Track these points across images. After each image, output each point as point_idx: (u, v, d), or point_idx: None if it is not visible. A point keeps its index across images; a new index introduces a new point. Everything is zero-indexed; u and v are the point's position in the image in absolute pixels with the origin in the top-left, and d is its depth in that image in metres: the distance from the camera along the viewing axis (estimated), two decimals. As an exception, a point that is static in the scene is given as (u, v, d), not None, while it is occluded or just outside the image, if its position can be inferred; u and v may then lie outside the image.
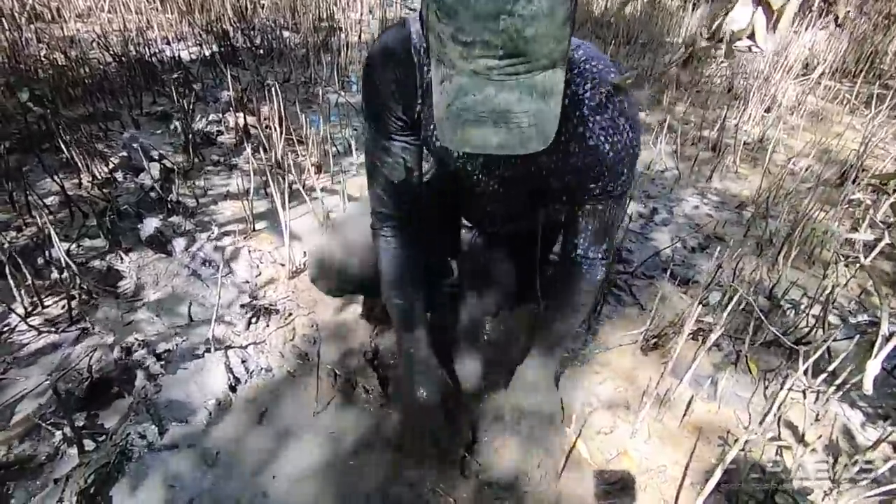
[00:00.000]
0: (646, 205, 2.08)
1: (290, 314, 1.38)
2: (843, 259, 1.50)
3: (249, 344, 1.27)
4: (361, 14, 4.20)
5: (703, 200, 2.18)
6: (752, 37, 2.31)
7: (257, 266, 1.55)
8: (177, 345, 1.24)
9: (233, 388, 1.15)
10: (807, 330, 1.37)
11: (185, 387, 1.14)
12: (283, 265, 1.55)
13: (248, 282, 1.50)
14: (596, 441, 1.12)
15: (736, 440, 1.11)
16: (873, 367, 0.83)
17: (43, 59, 2.69)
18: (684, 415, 1.15)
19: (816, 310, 1.46)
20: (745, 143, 2.64)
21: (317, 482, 0.99)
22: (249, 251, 1.60)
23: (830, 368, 1.11)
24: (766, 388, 1.28)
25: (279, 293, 1.46)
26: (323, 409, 1.13)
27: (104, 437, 1.04)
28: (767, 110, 3.02)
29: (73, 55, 2.75)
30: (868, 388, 0.83)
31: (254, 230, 1.70)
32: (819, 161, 2.49)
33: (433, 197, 1.07)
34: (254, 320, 1.34)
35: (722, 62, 3.95)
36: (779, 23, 2.18)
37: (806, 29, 4.01)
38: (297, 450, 1.04)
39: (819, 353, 1.03)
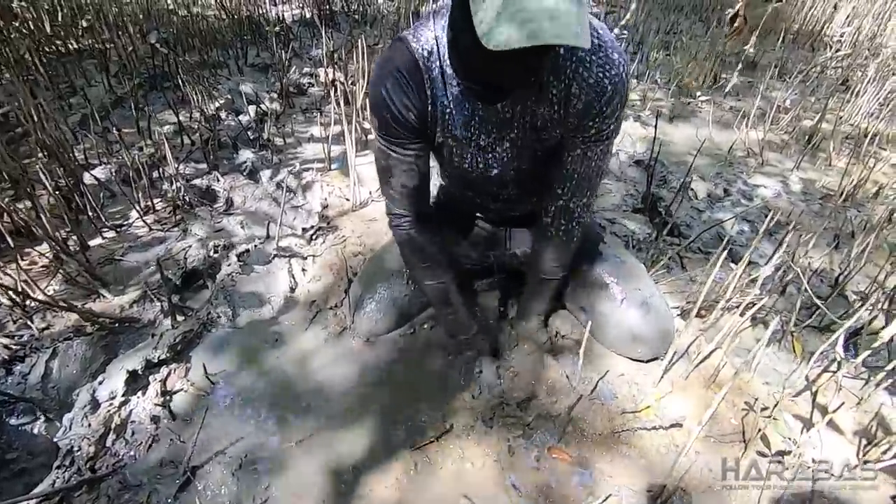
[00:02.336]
0: (716, 184, 2.01)
1: (345, 238, 1.54)
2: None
3: (309, 255, 1.44)
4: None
5: (783, 188, 2.05)
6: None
7: (327, 197, 1.72)
8: (254, 249, 1.44)
9: (292, 290, 1.32)
10: (868, 318, 1.30)
11: (256, 284, 1.34)
12: (347, 200, 1.71)
13: (318, 212, 1.67)
14: (621, 388, 1.16)
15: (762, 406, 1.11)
16: None
17: (168, 12, 3.06)
18: (712, 376, 1.16)
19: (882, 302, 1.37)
20: (846, 137, 2.43)
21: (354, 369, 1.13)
22: (323, 185, 1.78)
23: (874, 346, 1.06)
24: (808, 368, 1.24)
25: (340, 220, 1.63)
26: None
27: (191, 313, 1.25)
28: (882, 104, 2.73)
29: (195, 11, 3.10)
30: None
31: (329, 169, 1.87)
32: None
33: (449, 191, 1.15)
34: (314, 238, 1.52)
35: (838, 51, 3.59)
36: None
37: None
38: (341, 345, 1.19)
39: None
